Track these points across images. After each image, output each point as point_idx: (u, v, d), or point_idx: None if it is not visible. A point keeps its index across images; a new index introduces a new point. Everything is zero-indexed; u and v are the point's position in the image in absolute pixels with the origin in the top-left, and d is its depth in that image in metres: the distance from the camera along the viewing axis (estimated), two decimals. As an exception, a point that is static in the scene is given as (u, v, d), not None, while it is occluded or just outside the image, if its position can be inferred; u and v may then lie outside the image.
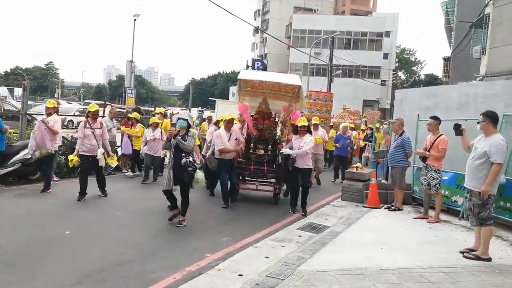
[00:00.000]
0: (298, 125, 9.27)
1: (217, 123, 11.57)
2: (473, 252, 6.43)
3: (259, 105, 10.61)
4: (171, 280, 5.21)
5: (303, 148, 9.00)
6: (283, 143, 10.31)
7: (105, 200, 9.42)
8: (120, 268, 5.54)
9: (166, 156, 11.34)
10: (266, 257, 6.19)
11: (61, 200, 9.04)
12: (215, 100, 27.55)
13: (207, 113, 30.99)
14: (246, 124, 10.61)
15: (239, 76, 10.38)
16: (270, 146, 10.27)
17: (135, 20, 33.06)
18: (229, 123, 9.77)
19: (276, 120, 10.85)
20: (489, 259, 6.25)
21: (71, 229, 7.03)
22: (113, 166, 11.13)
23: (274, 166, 10.10)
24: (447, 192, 9.49)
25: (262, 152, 10.13)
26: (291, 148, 9.25)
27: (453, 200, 9.45)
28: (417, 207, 10.12)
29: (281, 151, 9.52)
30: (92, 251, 6.10)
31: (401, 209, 9.81)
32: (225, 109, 17.61)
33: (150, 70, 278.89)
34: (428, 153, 8.78)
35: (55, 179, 10.76)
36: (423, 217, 9.04)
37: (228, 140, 9.52)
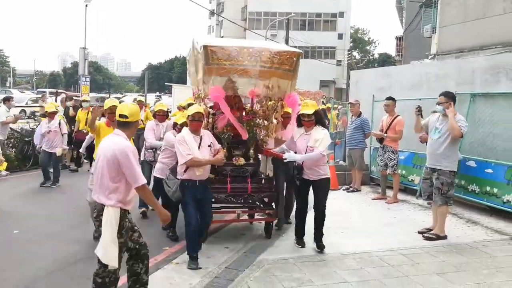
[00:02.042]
0: (302, 113, 5.97)
1: (175, 126, 6.76)
2: (432, 232, 6.50)
3: (223, 88, 6.36)
4: (126, 278, 4.99)
5: (315, 149, 5.75)
6: (269, 144, 6.80)
7: (58, 195, 9.01)
8: (73, 268, 5.30)
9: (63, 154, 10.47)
10: (226, 247, 6.04)
11: (9, 197, 8.60)
12: (171, 85, 27.03)
13: (165, 99, 30.14)
14: (215, 119, 6.68)
15: (204, 43, 6.14)
16: (252, 151, 6.49)
17: (86, 5, 31.86)
18: (195, 122, 5.61)
19: (252, 109, 6.85)
20: (446, 237, 6.39)
21: (20, 228, 6.67)
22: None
23: (263, 180, 6.57)
24: (404, 172, 9.60)
25: (241, 161, 6.31)
26: (284, 151, 6.19)
27: (410, 179, 9.57)
28: (375, 187, 10.21)
29: (283, 157, 5.90)
30: (42, 252, 5.80)
31: (360, 190, 9.86)
32: (183, 94, 17.13)
33: (106, 56, 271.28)
34: (385, 134, 8.82)
35: (3, 173, 10.25)
36: (381, 197, 9.13)
37: (199, 147, 5.54)
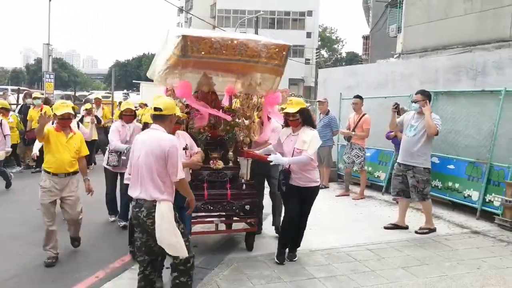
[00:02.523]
0: (285, 112, 5.44)
1: (146, 126, 5.59)
2: (423, 226, 6.72)
3: (198, 84, 6.11)
4: (93, 280, 4.95)
5: (303, 152, 5.16)
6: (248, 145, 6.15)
7: (20, 196, 8.81)
8: (37, 271, 5.19)
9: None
10: (194, 246, 6.02)
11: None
12: (139, 83, 26.66)
13: (133, 97, 29.68)
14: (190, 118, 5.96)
15: (182, 32, 5.36)
16: (231, 153, 5.99)
17: (50, 0, 31.09)
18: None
19: (231, 107, 6.34)
20: (435, 229, 6.69)
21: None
22: None
23: (244, 186, 5.90)
24: (370, 168, 9.80)
25: (220, 164, 5.71)
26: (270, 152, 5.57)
27: (376, 176, 9.78)
28: (343, 184, 10.35)
29: (267, 159, 5.26)
30: (4, 256, 5.66)
31: (328, 187, 10.01)
32: (151, 92, 16.89)
33: (72, 53, 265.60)
34: (353, 133, 8.97)
35: None
36: (344, 194, 9.30)
37: None
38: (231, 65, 5.67)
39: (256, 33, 36.40)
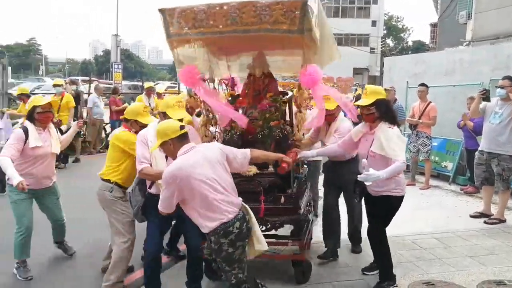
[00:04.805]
0: (358, 103, 4.51)
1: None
2: (494, 217, 6.57)
3: (250, 66, 4.83)
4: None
5: (395, 161, 3.92)
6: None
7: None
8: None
9: None
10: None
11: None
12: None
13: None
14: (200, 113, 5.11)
15: (159, 8, 4.31)
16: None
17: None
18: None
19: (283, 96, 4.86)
20: (506, 220, 6.50)
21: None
22: None
23: (282, 198, 4.37)
24: (437, 158, 9.59)
25: (252, 169, 4.28)
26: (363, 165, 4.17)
27: (443, 166, 9.56)
28: (408, 173, 10.18)
29: (358, 178, 3.93)
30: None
31: (392, 177, 9.87)
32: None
33: (138, 44, 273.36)
34: (420, 121, 8.80)
35: None
36: (411, 183, 9.13)
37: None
38: (231, 39, 4.36)
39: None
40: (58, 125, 5.37)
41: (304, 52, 4.35)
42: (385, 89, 10.46)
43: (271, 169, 4.36)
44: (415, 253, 5.27)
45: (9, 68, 17.20)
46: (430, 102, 8.83)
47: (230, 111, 4.59)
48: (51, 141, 4.84)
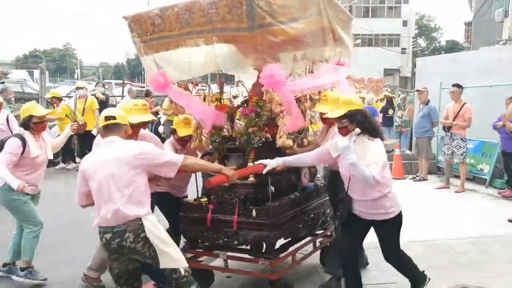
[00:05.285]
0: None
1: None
2: None
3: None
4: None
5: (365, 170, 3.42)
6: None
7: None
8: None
9: None
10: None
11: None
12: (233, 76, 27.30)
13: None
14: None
15: (123, 16, 4.21)
16: (251, 163, 3.99)
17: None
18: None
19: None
20: None
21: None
22: None
23: (253, 211, 3.85)
24: (472, 161, 9.38)
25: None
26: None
27: (479, 169, 9.34)
28: (442, 176, 10.01)
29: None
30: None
31: (426, 179, 9.72)
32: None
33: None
34: (454, 122, 8.62)
35: None
36: (445, 186, 8.96)
37: None
38: (184, 42, 3.97)
39: (350, 23, 35.75)
40: (83, 127, 5.34)
41: (263, 51, 3.67)
42: (418, 91, 10.41)
43: (252, 178, 3.96)
44: (450, 258, 5.16)
45: (47, 73, 17.68)
46: (465, 103, 8.63)
47: (206, 111, 4.25)
48: (46, 148, 4.85)
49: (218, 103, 4.40)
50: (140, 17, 4.00)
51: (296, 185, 4.47)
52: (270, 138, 4.07)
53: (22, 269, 4.76)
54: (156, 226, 3.27)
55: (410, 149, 11.60)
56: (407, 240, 5.66)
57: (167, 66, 4.19)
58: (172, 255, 3.27)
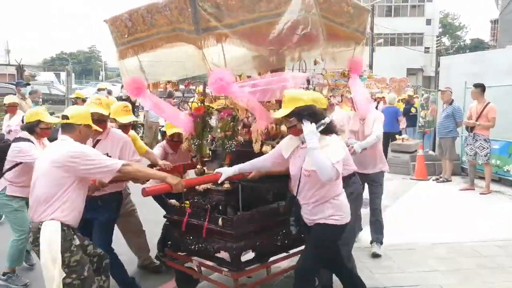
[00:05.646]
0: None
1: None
2: None
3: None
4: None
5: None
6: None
7: None
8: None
9: None
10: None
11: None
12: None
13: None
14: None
15: (104, 19, 4.17)
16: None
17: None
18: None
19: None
20: None
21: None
22: None
23: (220, 220, 3.66)
24: (498, 162, 9.18)
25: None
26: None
27: (505, 170, 9.13)
28: (466, 177, 9.83)
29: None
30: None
31: (450, 180, 9.56)
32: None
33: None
34: (478, 123, 8.45)
35: None
36: (469, 188, 8.79)
37: None
38: (154, 45, 3.83)
39: (372, 22, 35.40)
40: None
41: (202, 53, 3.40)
42: (440, 90, 10.24)
43: (227, 185, 3.77)
44: (475, 261, 5.06)
45: (73, 75, 18.00)
46: (489, 102, 8.45)
47: (178, 117, 4.15)
48: None
49: (199, 105, 4.23)
50: (116, 20, 3.97)
51: (283, 194, 4.06)
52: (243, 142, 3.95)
53: (4, 274, 4.73)
54: (52, 236, 3.15)
55: (434, 150, 11.43)
56: (430, 242, 5.63)
57: (152, 67, 4.13)
58: (50, 273, 3.10)
